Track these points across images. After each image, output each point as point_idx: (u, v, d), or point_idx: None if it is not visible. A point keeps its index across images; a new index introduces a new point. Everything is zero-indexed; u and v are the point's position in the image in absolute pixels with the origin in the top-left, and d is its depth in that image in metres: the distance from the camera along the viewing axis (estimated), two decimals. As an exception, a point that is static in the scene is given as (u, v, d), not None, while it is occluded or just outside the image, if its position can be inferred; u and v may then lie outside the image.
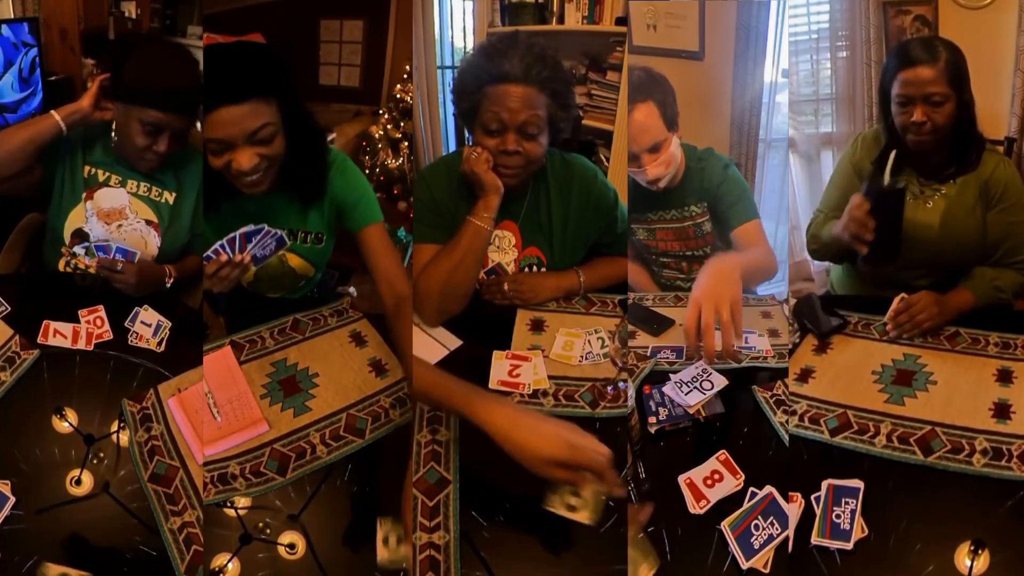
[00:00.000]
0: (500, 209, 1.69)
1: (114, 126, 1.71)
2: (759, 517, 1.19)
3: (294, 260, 1.76)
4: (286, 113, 1.50)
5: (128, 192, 1.78)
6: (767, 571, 1.15)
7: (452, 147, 3.68)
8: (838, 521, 1.18)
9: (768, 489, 1.22)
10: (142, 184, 1.79)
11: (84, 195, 1.76)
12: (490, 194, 1.65)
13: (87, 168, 1.77)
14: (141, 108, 1.62)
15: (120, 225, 1.77)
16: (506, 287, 1.74)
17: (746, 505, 1.22)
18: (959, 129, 1.68)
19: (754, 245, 1.94)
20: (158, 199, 1.80)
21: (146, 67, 1.63)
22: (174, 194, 1.81)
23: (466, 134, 2.57)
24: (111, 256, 1.70)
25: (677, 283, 2.11)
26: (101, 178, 1.77)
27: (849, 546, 1.16)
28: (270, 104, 1.46)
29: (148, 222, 1.79)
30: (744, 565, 1.15)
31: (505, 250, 1.81)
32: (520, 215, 1.79)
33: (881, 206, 1.57)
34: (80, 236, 1.78)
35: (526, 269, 1.82)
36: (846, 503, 1.19)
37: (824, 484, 1.23)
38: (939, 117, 1.64)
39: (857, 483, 1.22)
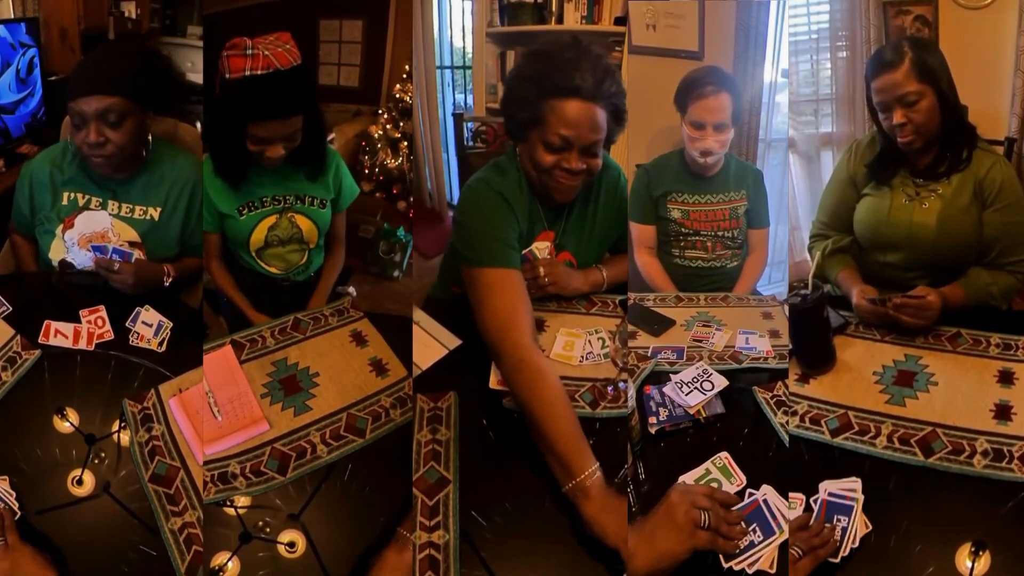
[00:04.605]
0: (544, 220, 1.70)
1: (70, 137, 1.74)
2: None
3: (302, 221, 1.92)
4: (308, 118, 1.77)
5: (110, 214, 1.77)
6: (772, 571, 1.15)
7: (451, 147, 3.68)
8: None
9: (755, 495, 1.20)
10: (123, 205, 1.79)
11: (61, 226, 1.77)
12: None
13: (66, 195, 1.78)
14: (71, 103, 1.67)
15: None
16: (541, 271, 1.68)
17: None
18: (945, 123, 1.69)
19: (759, 249, 2.26)
20: (142, 217, 1.80)
21: (79, 65, 1.77)
22: (160, 208, 1.81)
23: (465, 134, 2.58)
24: (108, 256, 1.70)
25: (697, 263, 2.21)
26: (81, 202, 1.78)
27: (836, 560, 1.14)
28: (300, 117, 1.74)
29: (132, 243, 1.78)
30: (732, 564, 1.14)
31: None
32: (561, 228, 1.74)
33: (804, 321, 1.52)
34: (66, 266, 1.78)
35: None
36: (838, 520, 1.17)
37: (820, 494, 1.21)
38: (918, 116, 1.67)
39: (851, 501, 1.19)
